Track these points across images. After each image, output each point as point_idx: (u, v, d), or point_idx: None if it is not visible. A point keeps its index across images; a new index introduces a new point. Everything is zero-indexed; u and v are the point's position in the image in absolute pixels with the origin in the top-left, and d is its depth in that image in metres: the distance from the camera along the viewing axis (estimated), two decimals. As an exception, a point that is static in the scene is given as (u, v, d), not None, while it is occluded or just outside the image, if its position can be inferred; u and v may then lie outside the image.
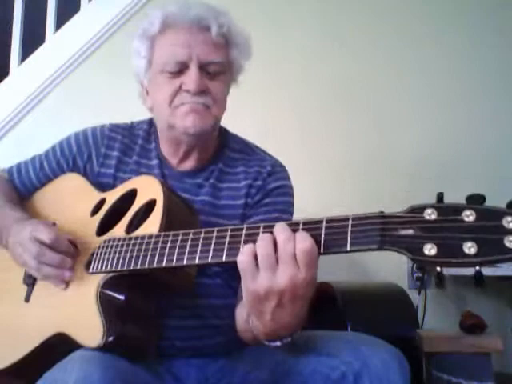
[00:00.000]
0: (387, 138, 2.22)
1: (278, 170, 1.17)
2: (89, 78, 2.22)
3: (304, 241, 0.72)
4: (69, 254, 0.98)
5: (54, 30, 2.33)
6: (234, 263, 0.77)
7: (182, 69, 1.07)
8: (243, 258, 0.74)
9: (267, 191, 1.13)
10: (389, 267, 2.05)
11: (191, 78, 1.05)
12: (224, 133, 1.21)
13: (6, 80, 2.28)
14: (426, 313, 1.96)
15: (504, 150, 2.17)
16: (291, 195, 1.17)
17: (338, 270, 2.04)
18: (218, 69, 1.09)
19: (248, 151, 1.20)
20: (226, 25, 1.09)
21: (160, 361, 1.03)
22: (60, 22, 2.33)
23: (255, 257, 0.74)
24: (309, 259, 0.72)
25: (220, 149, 1.18)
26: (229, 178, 1.14)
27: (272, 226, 0.75)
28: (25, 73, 2.26)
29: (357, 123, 2.24)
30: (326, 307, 1.58)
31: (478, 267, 0.62)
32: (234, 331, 1.01)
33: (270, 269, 0.73)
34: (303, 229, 0.73)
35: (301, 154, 2.17)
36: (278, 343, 0.84)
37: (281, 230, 0.74)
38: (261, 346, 1.02)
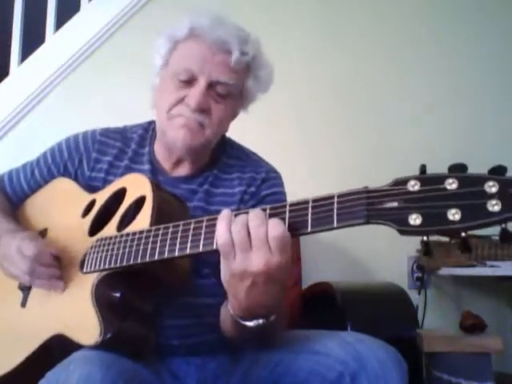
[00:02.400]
0: (387, 138, 2.22)
1: (271, 177, 1.17)
2: (89, 78, 2.22)
3: (276, 227, 0.74)
4: (53, 266, 1.00)
5: (54, 30, 2.32)
6: None
7: (191, 80, 1.06)
8: (221, 242, 0.77)
9: (260, 198, 1.14)
10: (389, 267, 2.06)
11: (195, 94, 1.05)
12: (222, 139, 1.20)
13: (6, 80, 2.27)
14: (426, 313, 1.96)
15: (504, 150, 2.16)
16: (283, 202, 1.17)
17: (338, 270, 2.05)
18: (227, 91, 1.08)
19: (243, 157, 1.20)
20: (250, 54, 1.09)
21: (160, 359, 1.03)
22: (60, 22, 2.32)
23: (232, 237, 0.77)
24: (281, 245, 0.75)
25: (216, 155, 1.18)
26: (223, 184, 1.15)
27: (248, 213, 0.78)
28: (25, 73, 2.26)
29: (357, 123, 2.24)
30: (326, 307, 1.58)
31: (463, 233, 0.63)
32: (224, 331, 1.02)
33: (243, 252, 0.76)
34: (290, 210, 0.76)
35: (301, 153, 2.17)
36: (252, 323, 0.86)
37: (253, 215, 0.77)
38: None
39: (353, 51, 2.29)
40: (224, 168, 1.17)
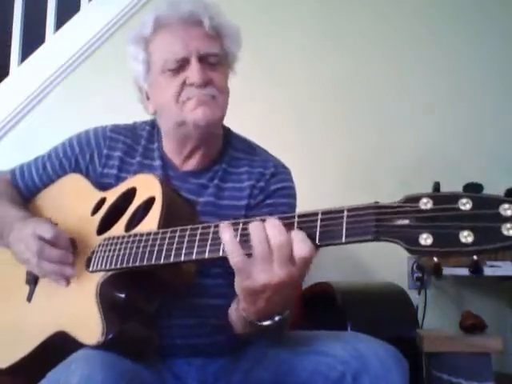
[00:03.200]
0: (387, 138, 2.22)
1: (280, 172, 1.17)
2: (89, 78, 2.22)
3: (303, 248, 0.71)
4: (69, 251, 0.99)
5: (54, 30, 2.33)
6: None
7: (182, 65, 1.07)
8: (238, 259, 0.75)
9: (270, 192, 1.13)
10: (389, 267, 2.05)
11: (194, 72, 1.06)
12: (228, 132, 1.21)
13: (6, 80, 2.27)
14: (426, 313, 1.96)
15: (504, 150, 2.17)
16: (294, 197, 1.17)
17: (338, 270, 2.05)
18: (216, 59, 1.10)
19: (251, 151, 1.20)
20: (215, 17, 1.10)
21: (161, 360, 1.03)
22: (60, 22, 2.32)
23: (248, 255, 0.74)
24: (308, 262, 0.73)
25: (224, 148, 1.18)
26: (232, 178, 1.14)
27: (264, 221, 0.75)
28: (25, 73, 2.26)
29: (357, 123, 2.24)
30: (326, 307, 1.58)
31: (475, 257, 0.62)
32: (232, 330, 1.01)
33: (267, 264, 0.73)
34: (299, 222, 0.73)
35: (301, 153, 2.17)
36: (269, 322, 0.85)
37: (275, 230, 0.73)
38: (261, 346, 1.02)
39: (353, 51, 2.29)
40: (232, 162, 1.16)
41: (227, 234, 0.76)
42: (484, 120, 2.22)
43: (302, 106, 2.23)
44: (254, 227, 0.74)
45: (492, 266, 1.80)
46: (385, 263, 2.08)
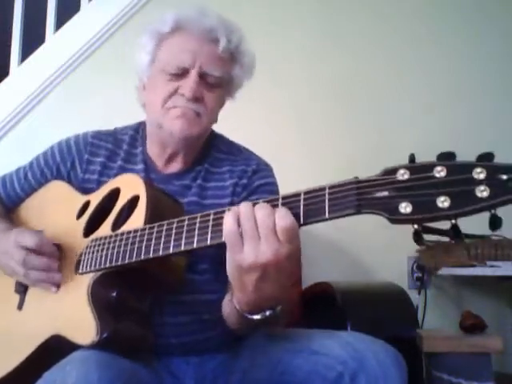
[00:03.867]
0: (387, 138, 2.22)
1: (262, 169, 1.18)
2: (89, 78, 2.22)
3: (284, 218, 0.73)
4: (54, 256, 0.99)
5: (54, 30, 2.32)
6: (221, 246, 0.79)
7: (182, 73, 1.08)
8: (228, 224, 0.76)
9: (253, 188, 1.14)
10: (389, 267, 2.06)
11: (189, 84, 1.07)
12: (211, 134, 1.21)
13: (6, 80, 2.27)
14: (426, 313, 1.96)
15: (504, 150, 2.16)
16: (276, 192, 1.17)
17: (338, 270, 2.05)
18: (217, 81, 1.10)
19: (234, 151, 1.21)
20: (234, 42, 1.11)
21: (158, 359, 1.03)
22: (60, 22, 2.32)
23: (239, 225, 0.76)
24: (291, 235, 0.74)
25: (207, 150, 1.19)
26: (215, 178, 1.15)
27: (253, 205, 0.77)
28: (25, 73, 2.26)
29: (357, 123, 2.24)
30: (326, 307, 1.58)
31: (453, 220, 0.63)
32: (226, 325, 1.02)
33: (252, 242, 0.75)
34: (282, 203, 0.75)
35: (301, 153, 2.17)
36: (259, 316, 0.86)
37: (260, 206, 0.76)
38: (258, 344, 1.02)
39: (353, 51, 2.29)
40: (215, 162, 1.17)
41: (231, 211, 0.78)
42: (484, 120, 2.22)
43: (302, 106, 2.23)
44: (243, 207, 0.77)
45: (492, 266, 1.80)
46: (385, 263, 2.08)
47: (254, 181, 1.15)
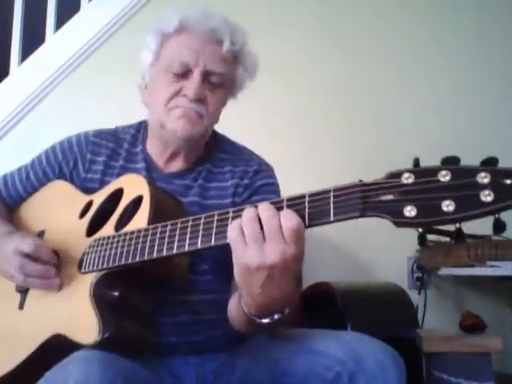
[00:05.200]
0: (387, 138, 2.22)
1: (264, 169, 1.18)
2: (89, 78, 2.22)
3: (290, 219, 0.73)
4: (51, 263, 1.00)
5: (54, 30, 2.32)
6: (223, 247, 0.78)
7: (185, 73, 1.08)
8: (231, 233, 0.76)
9: (255, 189, 1.14)
10: (389, 267, 2.06)
11: (192, 85, 1.07)
12: (213, 135, 1.22)
13: (6, 80, 2.27)
14: (425, 313, 1.96)
15: (504, 151, 2.16)
16: (278, 193, 1.18)
17: (338, 270, 2.05)
18: (220, 80, 1.10)
19: (235, 152, 1.21)
20: (238, 44, 1.11)
21: (159, 359, 1.03)
22: (60, 22, 2.32)
23: (243, 232, 0.75)
24: (297, 236, 0.74)
25: (208, 150, 1.19)
26: (216, 178, 1.15)
27: (257, 206, 0.77)
28: (25, 73, 2.26)
29: (357, 123, 2.24)
30: (326, 307, 1.58)
31: (457, 224, 0.65)
32: (226, 325, 1.01)
33: (257, 244, 0.74)
34: (288, 205, 0.75)
35: (301, 153, 2.17)
36: (268, 319, 0.85)
37: (264, 208, 0.75)
38: (257, 344, 1.02)
39: (353, 51, 2.28)
40: (216, 162, 1.18)
41: (233, 222, 0.77)
42: (484, 120, 2.22)
43: (302, 106, 2.23)
44: (246, 212, 0.76)
45: (492, 266, 1.80)
46: (385, 263, 2.08)
47: (256, 181, 1.15)
